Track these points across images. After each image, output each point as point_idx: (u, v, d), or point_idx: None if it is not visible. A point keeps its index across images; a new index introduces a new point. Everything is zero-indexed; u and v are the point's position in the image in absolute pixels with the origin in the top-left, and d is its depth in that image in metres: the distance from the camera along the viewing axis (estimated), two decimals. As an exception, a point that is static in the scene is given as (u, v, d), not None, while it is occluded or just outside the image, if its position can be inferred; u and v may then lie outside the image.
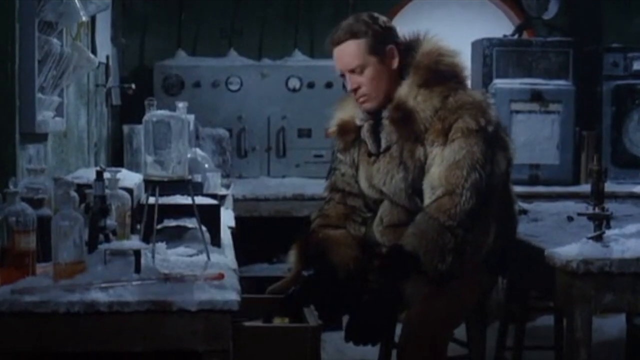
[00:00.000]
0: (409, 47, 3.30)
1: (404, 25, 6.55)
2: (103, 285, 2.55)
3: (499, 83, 5.86)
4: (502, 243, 3.24)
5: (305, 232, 3.43)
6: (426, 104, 3.16)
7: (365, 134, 3.33)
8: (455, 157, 3.10)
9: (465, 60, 3.36)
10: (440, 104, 3.15)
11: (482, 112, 3.18)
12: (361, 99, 3.28)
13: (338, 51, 3.30)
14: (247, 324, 2.80)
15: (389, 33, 3.30)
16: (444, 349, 3.17)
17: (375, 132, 3.29)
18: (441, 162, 3.12)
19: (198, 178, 4.15)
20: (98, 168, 3.10)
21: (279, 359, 2.75)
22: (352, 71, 3.27)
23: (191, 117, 4.77)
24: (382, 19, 3.32)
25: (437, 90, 3.17)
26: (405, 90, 3.20)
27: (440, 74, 3.20)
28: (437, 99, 3.16)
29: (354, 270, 3.30)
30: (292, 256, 3.36)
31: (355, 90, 3.27)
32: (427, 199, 3.14)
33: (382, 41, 3.26)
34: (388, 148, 3.26)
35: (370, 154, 3.32)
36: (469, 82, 3.34)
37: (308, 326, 2.80)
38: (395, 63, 3.26)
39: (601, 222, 3.26)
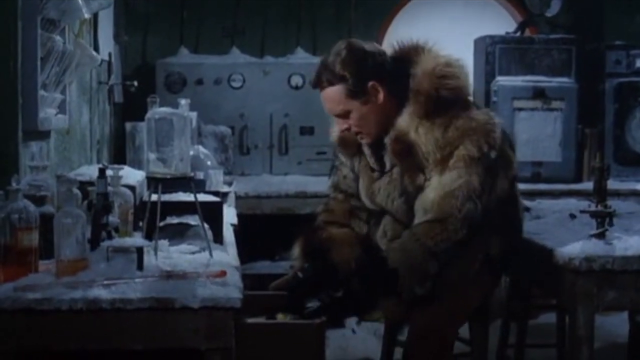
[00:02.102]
0: (405, 58, 3.19)
1: (406, 23, 6.59)
2: (105, 282, 2.55)
3: (502, 80, 5.86)
4: (505, 250, 3.21)
5: (309, 227, 3.41)
6: (427, 136, 3.07)
7: (366, 151, 3.28)
8: (452, 185, 3.02)
9: (468, 73, 3.22)
10: (441, 135, 3.06)
11: (486, 136, 3.07)
12: (357, 136, 3.24)
13: (321, 95, 3.20)
14: (250, 320, 2.80)
15: (369, 68, 3.14)
16: (450, 349, 3.15)
17: (376, 150, 3.24)
18: (438, 187, 3.05)
19: (200, 175, 4.15)
20: (100, 165, 3.10)
21: (283, 356, 2.75)
22: (338, 115, 3.21)
23: (193, 115, 4.78)
24: (362, 49, 3.16)
25: (438, 122, 3.07)
26: (406, 121, 3.10)
27: (442, 102, 3.08)
28: (439, 130, 3.06)
29: (356, 269, 3.26)
30: (295, 251, 3.34)
31: (346, 130, 3.23)
32: (417, 220, 3.09)
33: (361, 81, 3.13)
34: (390, 168, 3.20)
35: (372, 169, 3.28)
36: (473, 92, 3.26)
37: (312, 323, 2.80)
38: (380, 97, 3.15)
39: (604, 219, 3.26)
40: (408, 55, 3.20)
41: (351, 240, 3.33)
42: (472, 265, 3.12)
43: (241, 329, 2.68)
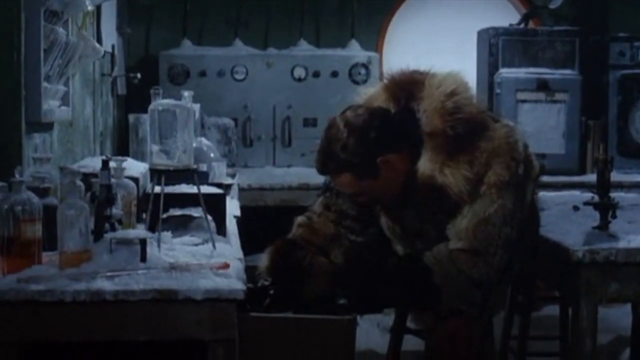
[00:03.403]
0: (405, 95, 3.01)
1: (409, 15, 6.56)
2: (109, 274, 2.55)
3: (505, 72, 5.85)
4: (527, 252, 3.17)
5: (284, 238, 3.17)
6: (456, 177, 2.89)
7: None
8: (486, 211, 2.88)
9: (471, 86, 3.03)
10: (469, 171, 2.90)
11: (511, 153, 2.92)
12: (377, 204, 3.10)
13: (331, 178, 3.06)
14: (277, 315, 2.79)
15: (374, 144, 2.93)
16: (477, 350, 3.09)
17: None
18: (470, 214, 2.90)
19: (203, 167, 4.15)
20: (104, 157, 3.10)
21: (312, 351, 2.74)
22: (354, 195, 3.06)
23: (197, 107, 4.78)
24: (360, 127, 2.93)
25: (463, 159, 2.90)
26: (428, 167, 2.92)
27: (461, 138, 2.91)
28: (465, 167, 2.90)
29: (394, 273, 3.05)
30: (264, 260, 3.06)
31: (368, 202, 3.08)
32: (453, 245, 2.93)
33: (370, 162, 2.94)
34: (417, 205, 3.03)
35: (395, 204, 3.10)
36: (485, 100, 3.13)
37: (343, 319, 2.78)
38: (394, 165, 2.96)
39: (607, 211, 3.26)
40: (409, 92, 3.02)
41: (325, 271, 3.06)
42: (508, 282, 3.09)
43: (269, 323, 2.68)
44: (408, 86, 3.03)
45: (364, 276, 3.02)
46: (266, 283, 2.94)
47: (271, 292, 2.91)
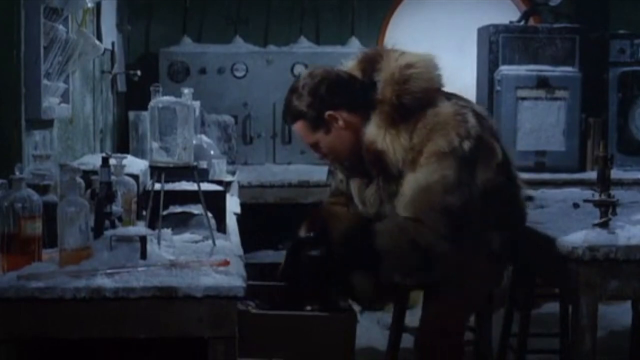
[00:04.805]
0: (369, 68, 3.19)
1: (410, 12, 6.56)
2: (109, 271, 2.55)
3: (505, 70, 5.85)
4: (506, 244, 3.21)
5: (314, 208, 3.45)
6: (395, 145, 3.06)
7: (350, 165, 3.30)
8: (427, 180, 3.00)
9: (436, 65, 3.16)
10: (407, 141, 3.05)
11: (456, 128, 3.03)
12: (334, 163, 3.32)
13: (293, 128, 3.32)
14: (277, 312, 2.80)
15: (322, 98, 3.16)
16: (458, 344, 3.14)
17: (359, 162, 3.22)
18: (413, 185, 3.03)
19: (203, 164, 4.15)
20: (104, 154, 3.11)
21: (311, 347, 2.75)
22: (310, 147, 3.27)
23: (197, 104, 4.77)
24: (313, 83, 3.17)
25: (403, 128, 3.06)
26: (373, 132, 3.11)
27: (405, 109, 3.07)
28: (404, 136, 3.05)
29: (344, 238, 3.24)
30: (302, 230, 3.33)
31: (322, 158, 3.30)
32: (400, 212, 3.07)
33: (319, 113, 3.16)
34: (376, 176, 3.19)
35: (360, 178, 3.27)
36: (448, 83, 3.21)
37: (341, 315, 2.79)
38: (341, 124, 3.16)
39: (607, 209, 3.25)
40: (372, 63, 3.20)
41: (349, 217, 3.30)
42: (474, 263, 3.11)
43: (270, 320, 2.68)
44: (374, 59, 3.21)
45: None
46: (310, 234, 3.20)
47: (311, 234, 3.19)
